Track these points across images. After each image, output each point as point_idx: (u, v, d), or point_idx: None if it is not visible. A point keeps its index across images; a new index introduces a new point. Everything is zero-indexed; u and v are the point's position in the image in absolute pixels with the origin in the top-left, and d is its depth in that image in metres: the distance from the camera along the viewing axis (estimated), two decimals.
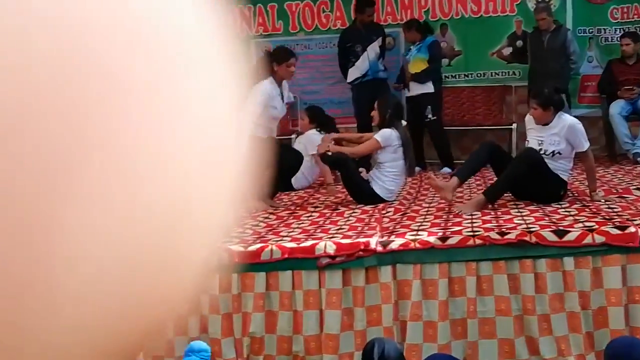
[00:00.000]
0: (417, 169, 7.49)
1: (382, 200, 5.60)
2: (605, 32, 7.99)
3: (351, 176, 5.68)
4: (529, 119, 5.41)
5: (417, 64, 7.50)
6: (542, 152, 5.14)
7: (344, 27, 8.29)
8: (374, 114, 5.78)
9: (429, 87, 7.44)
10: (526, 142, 5.39)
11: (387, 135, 5.56)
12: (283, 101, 5.68)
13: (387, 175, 5.66)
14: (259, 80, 5.43)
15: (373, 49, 7.74)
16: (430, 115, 7.40)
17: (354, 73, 7.81)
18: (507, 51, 8.24)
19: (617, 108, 7.27)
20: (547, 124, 5.19)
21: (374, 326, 4.16)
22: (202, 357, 2.70)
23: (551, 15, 7.51)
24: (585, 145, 5.20)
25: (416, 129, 7.65)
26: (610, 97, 7.43)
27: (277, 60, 5.61)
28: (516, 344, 4.07)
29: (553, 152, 5.12)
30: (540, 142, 5.17)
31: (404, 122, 5.84)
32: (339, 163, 5.69)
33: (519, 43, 8.15)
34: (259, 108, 5.24)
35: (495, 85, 8.23)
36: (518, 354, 4.05)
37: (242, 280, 4.27)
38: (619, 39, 7.61)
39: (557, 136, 5.16)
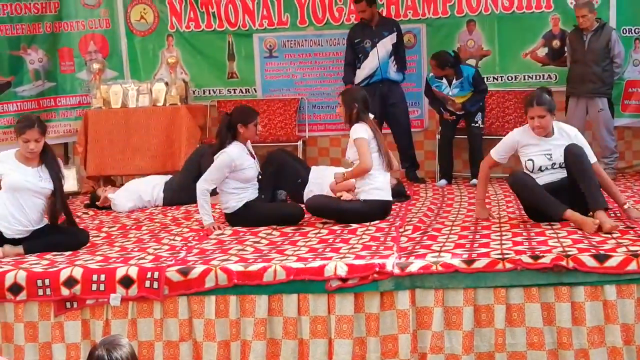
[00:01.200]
0: (443, 182, 7.58)
1: (386, 205, 5.74)
2: None
3: (340, 210, 5.74)
4: (522, 134, 5.40)
5: (462, 97, 7.67)
6: (554, 166, 5.19)
7: (358, 22, 8.37)
8: (339, 110, 5.87)
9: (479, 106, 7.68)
10: (526, 162, 5.32)
11: (363, 129, 5.66)
12: (254, 159, 5.91)
13: (375, 175, 5.68)
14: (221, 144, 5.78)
15: (384, 45, 7.83)
16: (480, 122, 7.66)
17: (361, 73, 7.87)
18: (543, 52, 8.26)
19: None
20: (547, 135, 5.27)
21: (389, 358, 4.15)
22: None
23: (593, 12, 7.54)
24: (594, 156, 5.35)
25: (449, 140, 7.73)
26: None
27: (243, 122, 5.80)
28: None
29: None
30: (548, 156, 5.21)
31: (371, 115, 5.88)
32: (321, 211, 5.83)
33: (556, 43, 8.18)
34: (217, 176, 5.70)
35: (528, 90, 8.20)
36: None
37: (241, 303, 4.26)
38: None
39: (567, 141, 5.23)
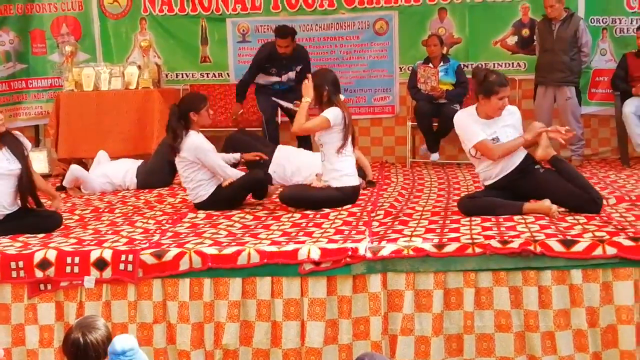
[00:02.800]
0: (436, 156, 7.90)
1: (357, 189, 5.77)
2: (620, 23, 8.08)
3: (315, 200, 5.67)
4: (468, 115, 5.29)
5: (444, 84, 7.75)
6: None
7: (332, 8, 8.40)
8: (307, 86, 5.68)
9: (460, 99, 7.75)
10: (471, 149, 5.22)
11: (337, 114, 5.58)
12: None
13: (343, 160, 5.65)
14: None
15: (288, 76, 7.94)
16: (458, 108, 7.43)
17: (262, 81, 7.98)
18: (512, 40, 8.31)
19: (631, 106, 7.37)
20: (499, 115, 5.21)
21: (360, 340, 4.19)
22: (129, 356, 2.74)
23: (562, 2, 7.60)
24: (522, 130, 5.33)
25: (427, 114, 7.78)
26: (624, 94, 7.53)
27: (195, 109, 5.72)
28: None
29: None
30: (493, 140, 5.15)
31: (342, 97, 5.81)
32: (295, 202, 5.72)
33: (526, 32, 8.23)
34: (215, 154, 5.73)
35: None
36: None
37: (215, 286, 4.27)
38: (635, 30, 7.70)
39: (511, 127, 5.21)
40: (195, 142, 5.65)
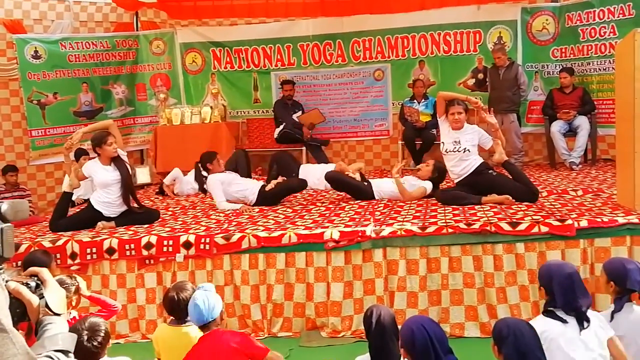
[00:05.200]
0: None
1: (374, 197, 5.68)
2: (547, 67, 7.99)
3: (350, 185, 5.72)
4: (448, 128, 5.23)
5: (424, 116, 7.66)
6: (455, 149, 5.12)
7: (344, 62, 8.38)
8: (426, 171, 5.64)
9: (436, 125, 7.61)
10: (440, 144, 5.32)
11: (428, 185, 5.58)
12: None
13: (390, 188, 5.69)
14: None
15: (296, 116, 8.07)
16: (435, 133, 7.45)
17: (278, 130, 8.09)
18: (471, 82, 8.25)
19: (556, 127, 7.29)
20: (459, 129, 5.18)
21: (369, 295, 4.19)
22: (207, 289, 2.82)
23: (505, 54, 7.55)
24: (491, 140, 5.22)
25: (412, 140, 7.71)
26: (551, 118, 7.44)
27: (209, 161, 5.96)
28: (479, 310, 4.10)
29: (465, 149, 5.12)
30: (455, 142, 5.14)
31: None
32: (336, 183, 5.78)
33: (481, 75, 8.17)
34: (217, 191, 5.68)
35: None
36: (480, 317, 4.09)
37: (267, 259, 4.29)
38: (558, 72, 7.61)
39: (471, 135, 5.15)
40: (208, 181, 5.82)
